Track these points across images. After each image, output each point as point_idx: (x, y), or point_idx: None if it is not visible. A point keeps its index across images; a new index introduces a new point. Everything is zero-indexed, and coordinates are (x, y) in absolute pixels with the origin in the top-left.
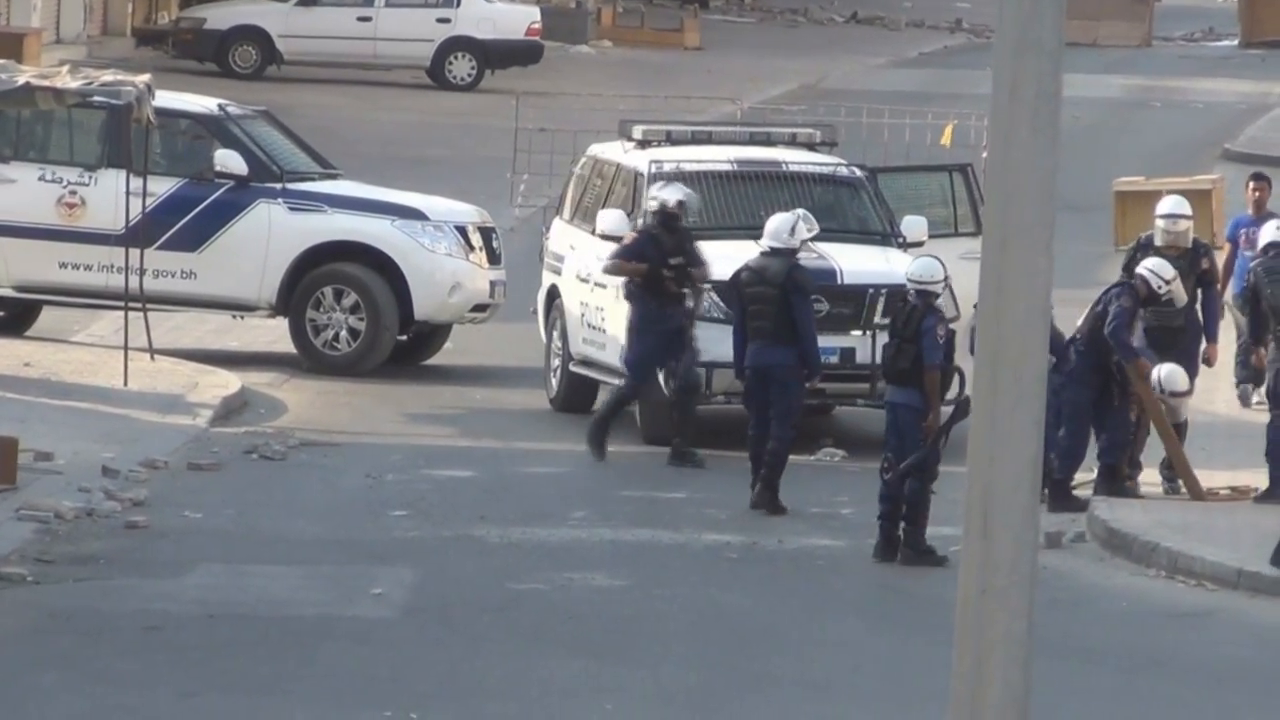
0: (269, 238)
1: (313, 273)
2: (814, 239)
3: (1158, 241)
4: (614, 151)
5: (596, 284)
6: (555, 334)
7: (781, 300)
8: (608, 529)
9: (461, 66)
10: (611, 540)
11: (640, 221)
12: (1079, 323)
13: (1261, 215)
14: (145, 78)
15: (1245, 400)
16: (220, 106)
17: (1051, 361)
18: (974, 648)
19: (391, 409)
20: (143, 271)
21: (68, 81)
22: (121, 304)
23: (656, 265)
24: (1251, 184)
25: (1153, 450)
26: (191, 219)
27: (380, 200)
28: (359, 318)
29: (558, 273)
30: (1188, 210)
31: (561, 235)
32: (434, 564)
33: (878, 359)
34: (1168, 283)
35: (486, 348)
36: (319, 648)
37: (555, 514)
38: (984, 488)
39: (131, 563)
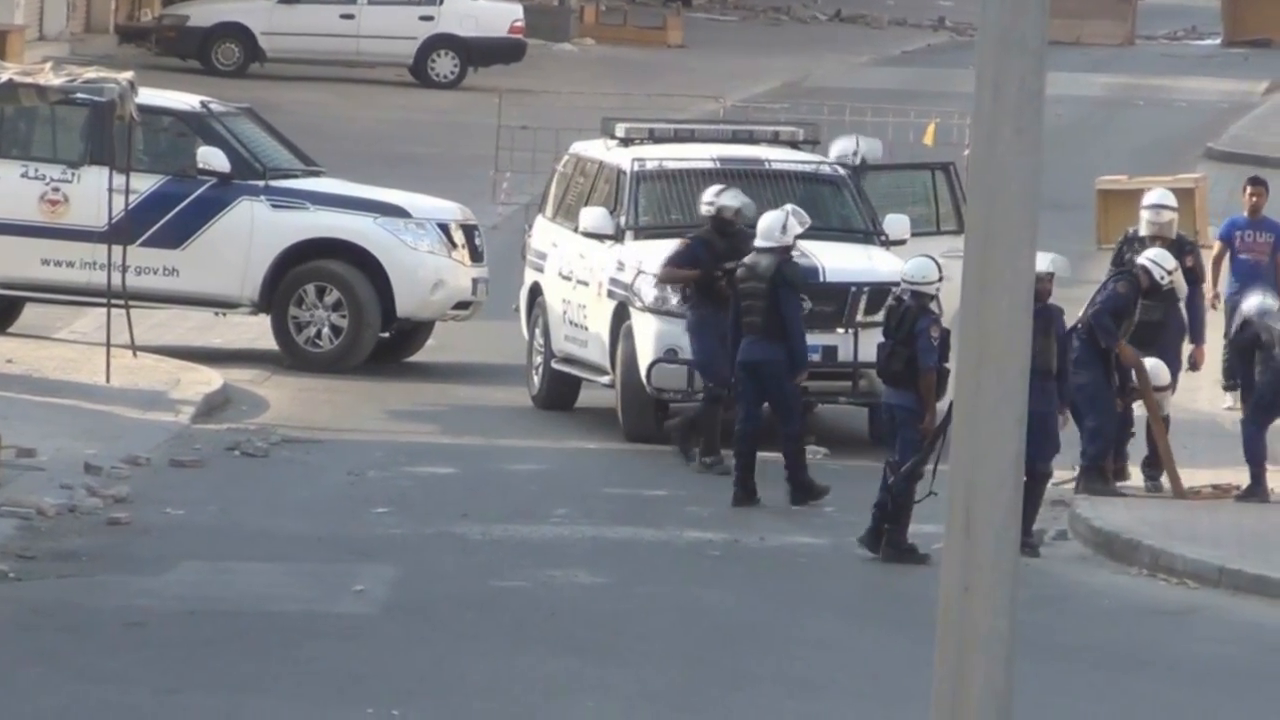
0: (251, 235)
1: (295, 270)
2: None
3: (1143, 232)
4: (597, 149)
5: (579, 281)
6: (537, 331)
7: (771, 296)
8: (590, 526)
9: (444, 64)
10: (593, 537)
11: (624, 220)
12: (1080, 313)
13: (1258, 220)
14: (128, 75)
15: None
16: (203, 104)
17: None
18: (956, 645)
19: (374, 406)
20: (125, 268)
21: (51, 78)
22: (104, 301)
23: (709, 270)
24: (1249, 188)
25: (1136, 448)
26: (174, 216)
27: (363, 198)
28: (341, 315)
29: (540, 270)
30: (1173, 201)
31: (544, 233)
32: (416, 561)
33: (860, 357)
34: (1169, 273)
35: (469, 345)
36: (301, 645)
37: (537, 511)
38: (966, 485)
39: (113, 559)
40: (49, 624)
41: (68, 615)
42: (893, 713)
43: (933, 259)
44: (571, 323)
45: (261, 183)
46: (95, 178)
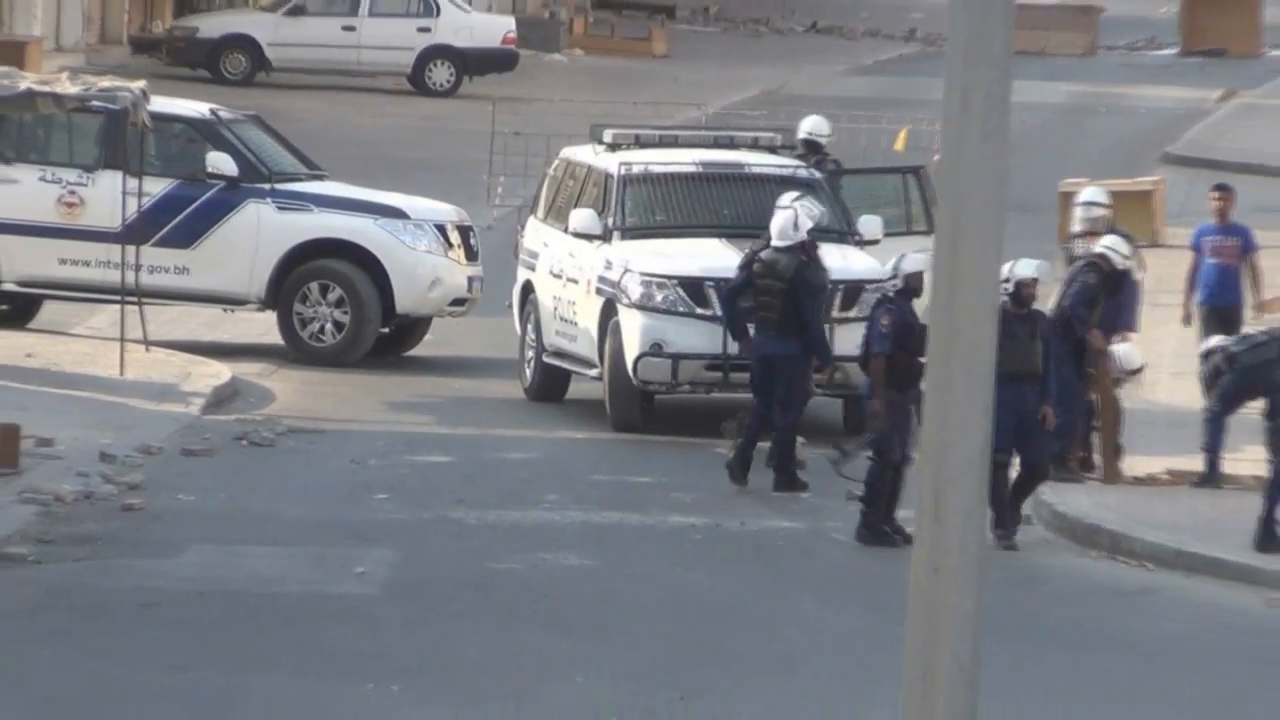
0: (258, 235)
1: (300, 268)
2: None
3: (1075, 227)
4: (585, 154)
5: (569, 279)
6: (529, 327)
7: (789, 294)
8: (579, 511)
9: (441, 73)
10: (583, 522)
11: (611, 221)
12: (1050, 304)
13: (1226, 226)
14: (141, 84)
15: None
16: (212, 111)
17: None
18: (926, 624)
19: (374, 398)
20: (139, 267)
21: (67, 87)
22: (118, 298)
23: None
24: (1214, 194)
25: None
26: (185, 217)
27: (364, 200)
28: (343, 311)
29: (532, 269)
30: (1104, 199)
31: (536, 233)
32: (415, 545)
33: (836, 350)
34: (1127, 257)
35: (464, 340)
36: (305, 624)
37: (529, 497)
38: (935, 474)
39: (128, 543)
40: (66, 604)
41: (84, 596)
42: (866, 687)
43: (905, 255)
44: (562, 319)
45: (268, 186)
46: (110, 181)
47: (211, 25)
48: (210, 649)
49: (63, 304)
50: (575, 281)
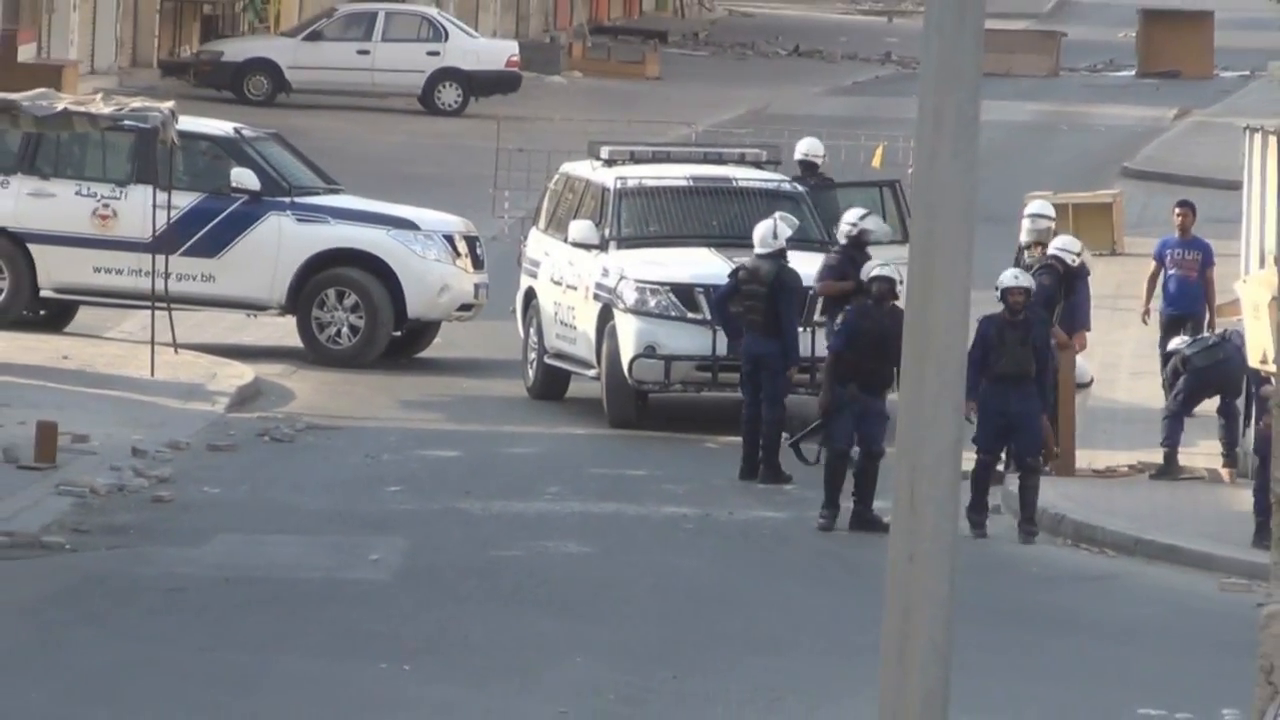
0: (279, 245)
1: (317, 276)
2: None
3: (1022, 238)
4: (584, 169)
5: (568, 286)
6: (532, 330)
7: (770, 298)
8: (578, 502)
9: (449, 94)
10: (581, 512)
11: (608, 231)
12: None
13: (1188, 239)
14: (170, 104)
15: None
16: (236, 129)
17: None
18: (902, 607)
19: (387, 397)
20: (168, 275)
21: (101, 107)
22: (149, 304)
23: (859, 281)
24: (1177, 209)
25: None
26: (211, 229)
27: (377, 212)
28: (358, 316)
29: (534, 276)
30: (1050, 211)
31: (537, 243)
32: (424, 533)
33: (817, 352)
34: (1078, 255)
35: (471, 342)
36: (323, 607)
37: (532, 489)
38: (911, 467)
39: (157, 533)
40: (100, 590)
41: (116, 582)
42: (846, 666)
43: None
44: (562, 323)
45: (288, 199)
46: (141, 195)
47: (236, 50)
48: (234, 631)
49: (97, 309)
50: (574, 288)
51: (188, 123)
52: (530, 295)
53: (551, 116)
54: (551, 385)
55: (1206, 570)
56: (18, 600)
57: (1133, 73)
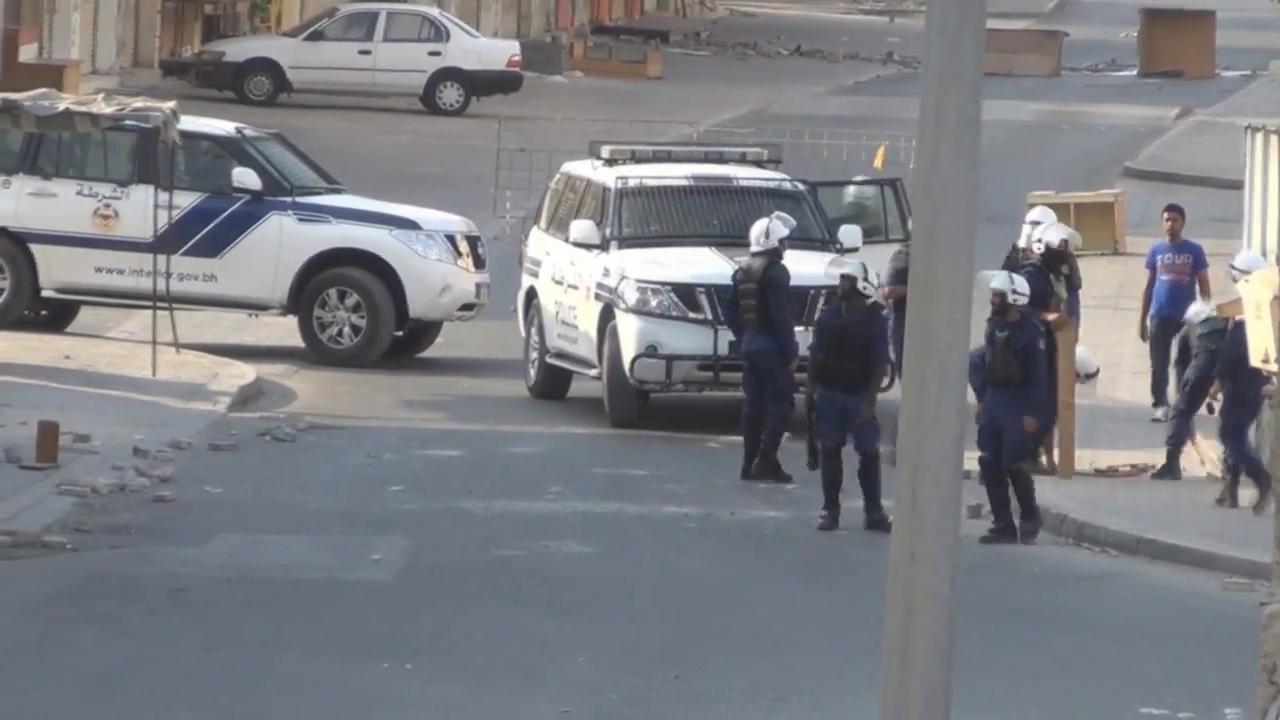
0: (280, 245)
1: (319, 276)
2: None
3: (1021, 244)
4: (585, 169)
5: (570, 286)
6: (533, 330)
7: (761, 295)
8: (579, 502)
9: (450, 94)
10: (583, 512)
11: (609, 231)
12: None
13: (1178, 244)
14: (171, 104)
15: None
16: (237, 129)
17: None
18: (904, 606)
19: (389, 396)
20: (169, 275)
21: (102, 107)
22: (150, 304)
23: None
24: (1166, 215)
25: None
26: (212, 228)
27: (379, 212)
28: (360, 316)
29: (535, 276)
30: (1052, 219)
31: (539, 243)
32: (426, 533)
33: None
34: (1064, 240)
35: (472, 342)
36: (325, 607)
37: (534, 489)
38: (913, 466)
39: (159, 532)
40: (102, 589)
41: (119, 581)
42: (848, 666)
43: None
44: (563, 322)
45: (289, 199)
46: (142, 195)
47: (237, 50)
48: (236, 630)
49: (98, 309)
50: (575, 288)
51: (189, 122)
52: (531, 295)
53: (553, 116)
54: (553, 385)
55: (1208, 569)
56: (19, 600)
57: (1134, 72)
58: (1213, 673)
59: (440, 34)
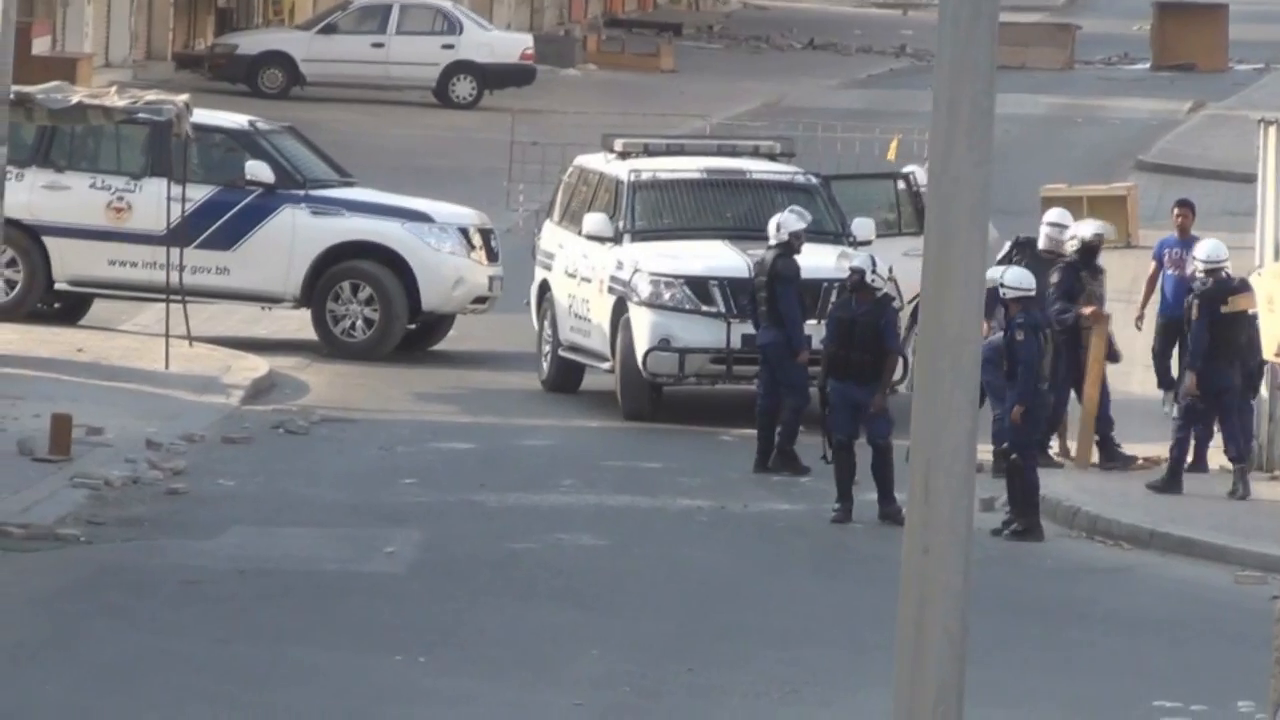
0: (293, 238)
1: (332, 269)
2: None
3: (1041, 245)
4: (598, 162)
5: (583, 279)
6: (546, 323)
7: (770, 287)
8: (593, 495)
9: (463, 87)
10: (596, 505)
11: (622, 224)
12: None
13: (1186, 239)
14: (184, 97)
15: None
16: (250, 122)
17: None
18: (917, 600)
19: (402, 389)
20: (182, 268)
21: (115, 100)
22: (163, 296)
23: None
24: (1176, 209)
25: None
26: (225, 221)
27: (392, 205)
28: (373, 309)
29: (548, 269)
30: (1069, 222)
31: (552, 236)
32: (440, 526)
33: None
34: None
35: (485, 335)
36: (338, 600)
37: (547, 482)
38: (926, 459)
39: (172, 525)
40: (115, 582)
41: (132, 574)
42: (861, 659)
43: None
44: (576, 315)
45: (302, 192)
46: (155, 188)
47: (250, 43)
48: (249, 623)
49: (111, 302)
50: (589, 281)
51: (202, 115)
52: (544, 288)
53: (566, 109)
54: (566, 378)
55: (1221, 563)
56: (33, 592)
57: (1147, 66)
58: (1226, 666)
59: (453, 27)
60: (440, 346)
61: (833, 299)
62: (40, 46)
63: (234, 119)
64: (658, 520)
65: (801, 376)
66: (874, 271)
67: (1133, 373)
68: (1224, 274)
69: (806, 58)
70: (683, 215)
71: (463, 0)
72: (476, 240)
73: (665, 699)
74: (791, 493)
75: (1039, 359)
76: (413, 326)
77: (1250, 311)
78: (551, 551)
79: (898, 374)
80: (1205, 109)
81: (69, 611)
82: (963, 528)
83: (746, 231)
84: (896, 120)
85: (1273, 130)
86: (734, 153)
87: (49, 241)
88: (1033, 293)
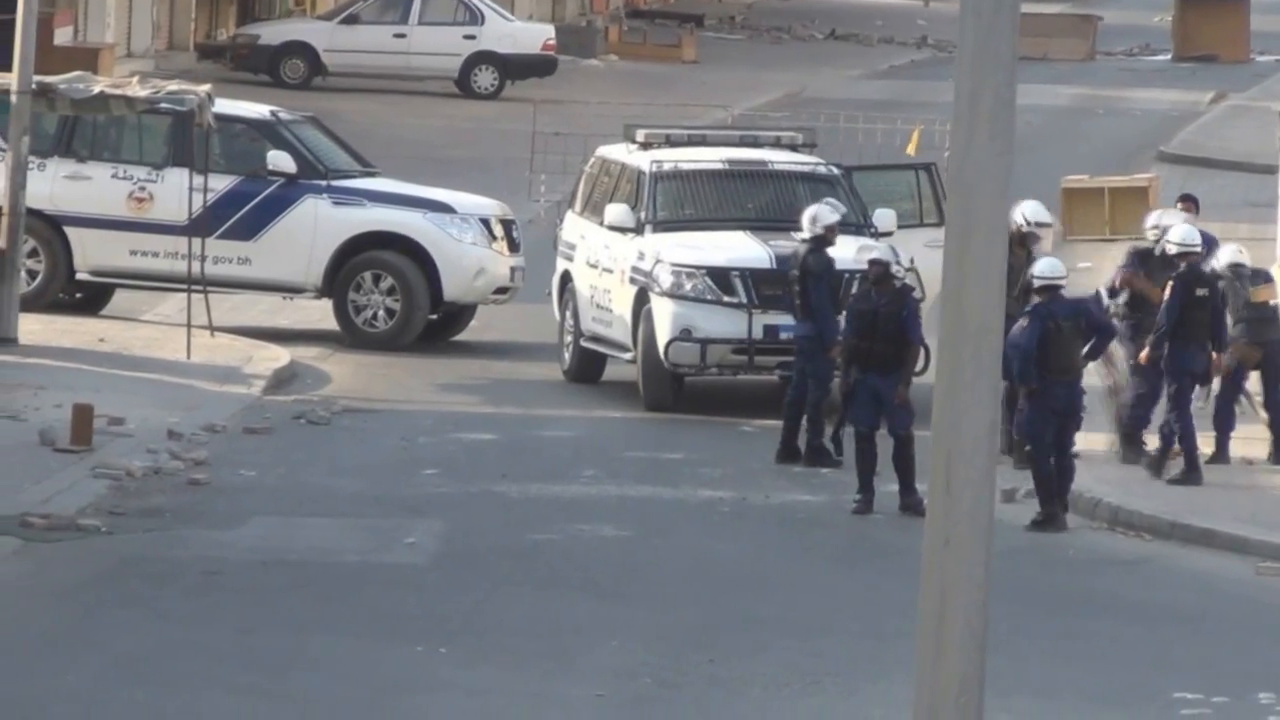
0: (315, 228)
1: (354, 259)
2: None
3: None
4: (620, 152)
5: (604, 269)
6: (568, 313)
7: (801, 281)
8: (614, 486)
9: (485, 78)
10: (618, 496)
11: (644, 215)
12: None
13: None
14: (206, 87)
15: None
16: (272, 112)
17: None
18: (938, 591)
19: (423, 380)
20: (204, 258)
21: (137, 90)
22: (185, 287)
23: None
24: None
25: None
26: (247, 212)
27: (413, 195)
28: (395, 299)
29: (570, 259)
30: (1046, 218)
31: (573, 226)
32: (461, 516)
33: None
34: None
35: (507, 326)
36: (359, 590)
37: (568, 472)
38: (947, 451)
39: (193, 515)
40: (137, 572)
41: (153, 565)
42: (882, 650)
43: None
44: (598, 306)
45: (324, 182)
46: (177, 178)
47: (272, 33)
48: (270, 613)
49: (133, 292)
50: (610, 271)
51: (224, 105)
52: (566, 278)
53: (587, 100)
54: (587, 368)
55: (1242, 554)
56: (54, 583)
57: (1169, 57)
58: (1246, 657)
59: (475, 17)
60: (462, 337)
61: (853, 290)
62: (62, 37)
63: (256, 109)
64: (679, 511)
65: (828, 370)
66: (895, 262)
67: None
68: (1197, 258)
69: (828, 48)
70: (704, 206)
71: None
72: (498, 231)
73: (686, 690)
74: (813, 484)
75: (1033, 349)
76: (434, 317)
77: (1271, 303)
78: (573, 542)
79: (919, 364)
80: (1226, 100)
81: (90, 602)
82: (984, 519)
83: (768, 222)
84: (918, 111)
85: None
86: (756, 143)
87: (71, 232)
88: (1061, 282)
